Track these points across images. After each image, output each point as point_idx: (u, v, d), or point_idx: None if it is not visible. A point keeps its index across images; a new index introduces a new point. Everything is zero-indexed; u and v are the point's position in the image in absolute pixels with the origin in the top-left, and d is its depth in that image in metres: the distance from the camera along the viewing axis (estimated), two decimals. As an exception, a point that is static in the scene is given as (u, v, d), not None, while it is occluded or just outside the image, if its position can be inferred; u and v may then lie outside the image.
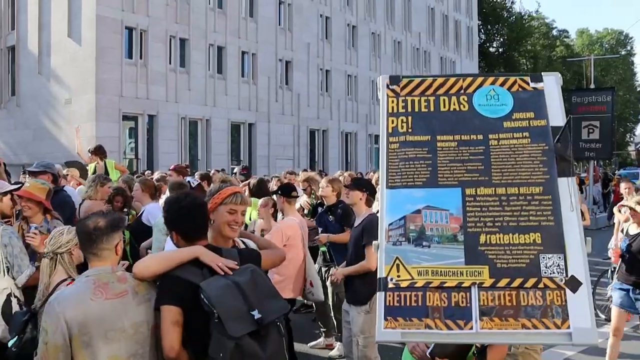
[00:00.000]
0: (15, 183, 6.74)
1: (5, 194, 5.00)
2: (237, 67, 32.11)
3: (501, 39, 68.97)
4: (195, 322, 3.11)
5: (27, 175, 11.67)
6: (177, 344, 3.08)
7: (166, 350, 3.08)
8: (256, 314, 2.97)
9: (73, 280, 4.03)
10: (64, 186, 8.13)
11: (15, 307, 4.63)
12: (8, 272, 4.69)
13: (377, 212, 6.87)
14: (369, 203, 6.19)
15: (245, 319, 2.97)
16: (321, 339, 7.96)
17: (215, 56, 31.01)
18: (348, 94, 40.31)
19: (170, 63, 28.57)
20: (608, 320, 8.74)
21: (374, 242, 2.66)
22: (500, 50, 68.98)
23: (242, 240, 4.11)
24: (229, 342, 2.89)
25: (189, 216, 3.40)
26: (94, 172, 10.06)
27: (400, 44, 45.35)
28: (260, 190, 8.60)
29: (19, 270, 4.71)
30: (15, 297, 4.69)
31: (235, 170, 11.88)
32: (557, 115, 2.73)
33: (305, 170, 16.51)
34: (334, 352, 7.52)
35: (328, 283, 7.54)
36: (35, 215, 5.33)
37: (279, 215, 7.83)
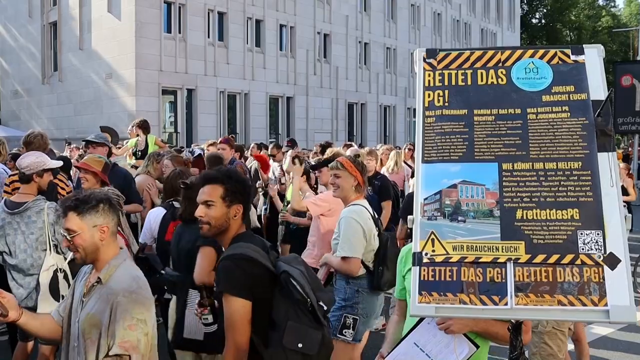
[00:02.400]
0: (60, 158, 6.90)
1: (48, 170, 5.12)
2: (275, 41, 32.06)
3: (544, 10, 67.33)
4: (261, 312, 2.86)
5: (72, 147, 11.91)
6: (246, 344, 2.83)
7: (240, 352, 2.82)
8: (324, 305, 2.86)
9: None
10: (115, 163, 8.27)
11: (61, 281, 4.79)
12: (56, 248, 4.84)
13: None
14: None
15: (320, 310, 2.84)
16: None
17: (254, 30, 31.00)
18: (387, 67, 39.96)
19: (208, 37, 28.68)
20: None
21: (408, 216, 2.64)
22: (543, 21, 67.40)
23: None
24: (316, 332, 2.79)
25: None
26: (135, 146, 10.20)
27: (440, 15, 44.61)
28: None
29: None
30: (62, 271, 4.83)
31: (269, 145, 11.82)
32: (598, 89, 2.65)
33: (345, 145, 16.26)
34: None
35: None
36: (93, 187, 5.45)
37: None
